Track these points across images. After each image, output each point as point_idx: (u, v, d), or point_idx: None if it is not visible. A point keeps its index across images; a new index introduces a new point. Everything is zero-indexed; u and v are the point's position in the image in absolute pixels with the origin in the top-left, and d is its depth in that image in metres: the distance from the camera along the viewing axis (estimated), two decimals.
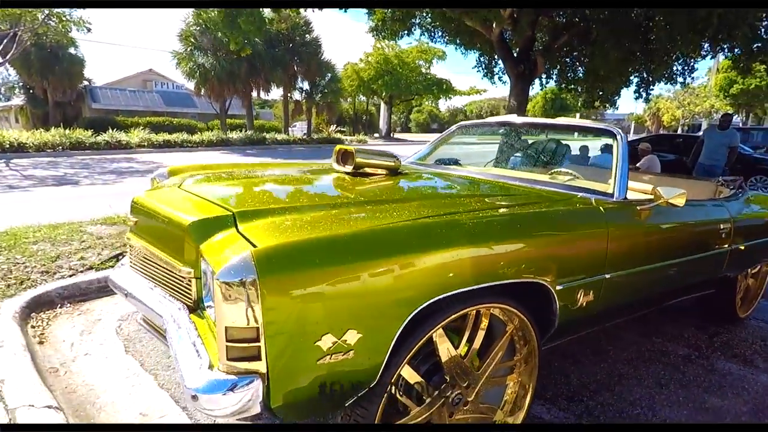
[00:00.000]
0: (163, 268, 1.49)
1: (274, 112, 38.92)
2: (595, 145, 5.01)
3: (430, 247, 1.30)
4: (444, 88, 31.92)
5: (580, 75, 10.19)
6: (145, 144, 15.67)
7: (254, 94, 23.23)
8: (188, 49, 19.60)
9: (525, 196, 1.97)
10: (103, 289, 3.30)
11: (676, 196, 1.93)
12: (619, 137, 2.20)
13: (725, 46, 7.46)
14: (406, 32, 10.11)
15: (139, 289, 1.55)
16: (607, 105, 11.32)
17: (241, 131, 19.99)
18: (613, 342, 2.80)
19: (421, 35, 10.86)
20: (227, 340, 1.03)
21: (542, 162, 3.13)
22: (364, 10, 9.65)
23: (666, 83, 9.29)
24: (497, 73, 11.01)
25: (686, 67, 8.93)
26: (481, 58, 10.92)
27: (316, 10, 8.54)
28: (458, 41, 10.29)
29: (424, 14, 9.89)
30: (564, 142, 3.28)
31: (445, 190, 2.13)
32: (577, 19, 8.56)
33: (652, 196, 2.02)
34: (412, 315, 1.25)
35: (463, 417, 1.60)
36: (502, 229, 1.51)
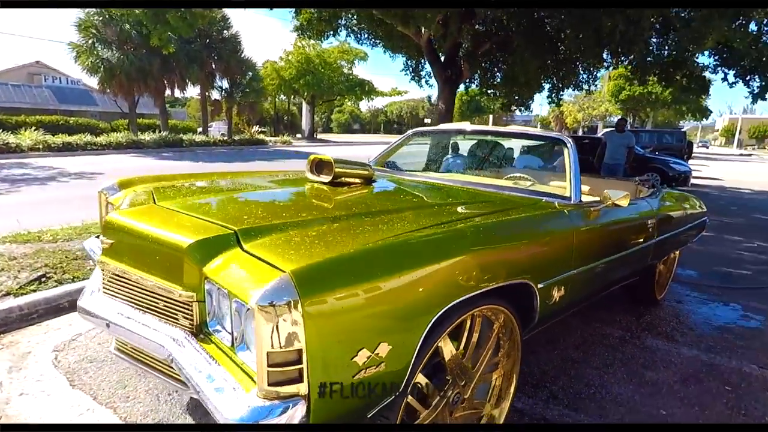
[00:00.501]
0: (155, 293, 1.38)
1: (188, 111, 36.55)
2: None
3: (444, 256, 1.37)
4: (366, 89, 32.24)
5: (499, 80, 10.93)
6: (41, 147, 13.89)
7: (168, 92, 21.61)
8: (89, 41, 17.67)
9: (496, 203, 2.11)
10: (26, 318, 2.92)
11: (621, 197, 2.20)
12: (569, 145, 2.43)
13: (624, 59, 8.47)
14: (332, 33, 10.09)
15: (125, 317, 1.42)
16: (522, 108, 12.29)
17: (153, 132, 18.50)
18: (561, 330, 3.08)
19: (347, 36, 10.90)
20: (269, 365, 1.00)
21: (489, 165, 3.36)
22: (289, 9, 9.45)
23: (573, 89, 10.31)
24: (424, 77, 11.41)
25: (590, 76, 9.99)
26: (409, 62, 11.24)
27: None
28: (386, 44, 10.49)
29: (350, 15, 9.92)
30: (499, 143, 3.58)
31: (427, 198, 2.20)
32: (494, 27, 9.16)
33: (599, 198, 2.27)
34: (431, 323, 1.30)
35: (461, 414, 1.68)
36: (498, 235, 1.63)
